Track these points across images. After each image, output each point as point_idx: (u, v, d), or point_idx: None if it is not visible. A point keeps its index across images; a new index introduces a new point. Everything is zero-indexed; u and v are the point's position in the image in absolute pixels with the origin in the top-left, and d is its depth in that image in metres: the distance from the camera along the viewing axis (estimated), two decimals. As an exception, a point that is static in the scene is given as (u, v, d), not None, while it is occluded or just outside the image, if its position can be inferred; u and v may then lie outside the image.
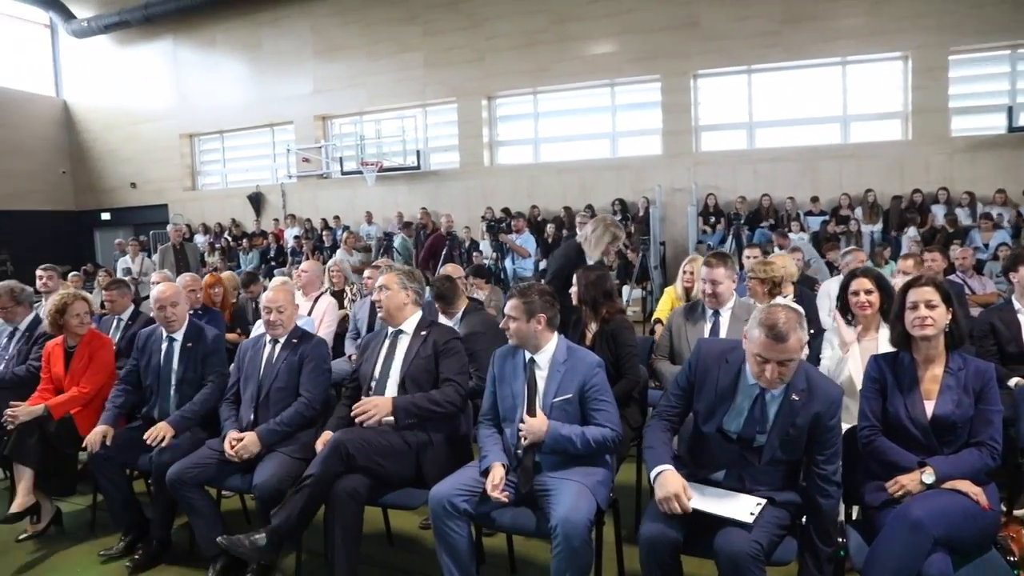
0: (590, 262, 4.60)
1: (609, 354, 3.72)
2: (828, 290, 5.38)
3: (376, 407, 3.18)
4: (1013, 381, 3.68)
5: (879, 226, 11.35)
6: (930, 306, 2.59)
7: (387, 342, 3.48)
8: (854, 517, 2.79)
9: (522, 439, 2.87)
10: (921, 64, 11.84)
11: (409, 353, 3.38)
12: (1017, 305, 4.06)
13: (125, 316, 5.28)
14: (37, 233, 17.49)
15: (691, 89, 13.30)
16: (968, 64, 11.94)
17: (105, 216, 19.26)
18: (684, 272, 5.14)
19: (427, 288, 4.24)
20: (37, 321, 4.80)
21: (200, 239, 16.36)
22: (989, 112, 11.81)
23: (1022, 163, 11.25)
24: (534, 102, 14.77)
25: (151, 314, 5.34)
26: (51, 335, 4.30)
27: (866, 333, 3.37)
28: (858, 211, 11.62)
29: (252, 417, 3.56)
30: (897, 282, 3.77)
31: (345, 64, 15.85)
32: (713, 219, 12.36)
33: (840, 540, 2.56)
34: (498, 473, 2.81)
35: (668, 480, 2.50)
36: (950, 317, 2.61)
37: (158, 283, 5.74)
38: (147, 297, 6.57)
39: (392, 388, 3.34)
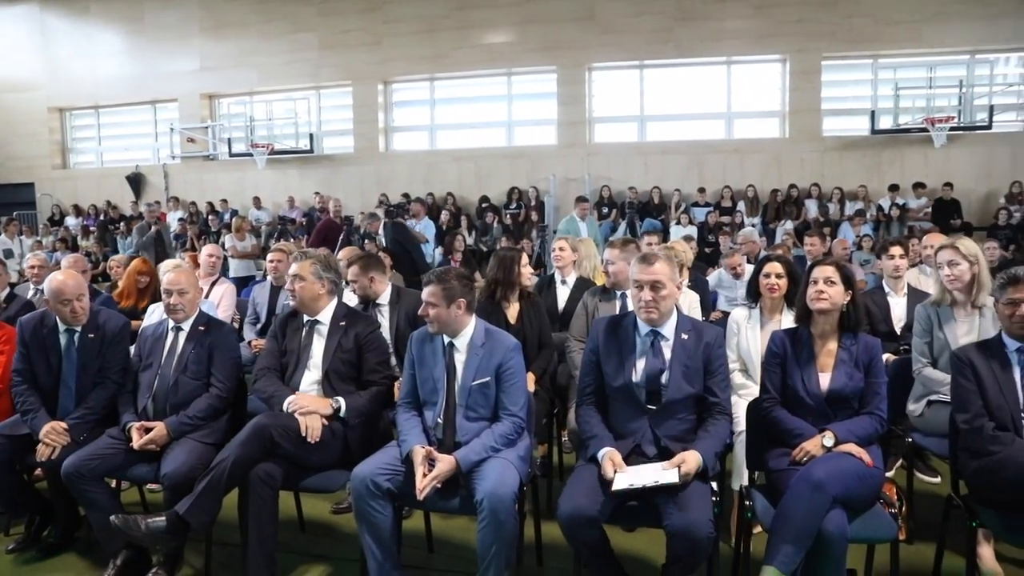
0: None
1: (538, 325, 4.00)
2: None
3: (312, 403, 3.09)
4: (884, 357, 4.10)
5: (758, 218, 12.10)
6: (829, 283, 2.84)
7: (304, 331, 3.36)
8: (757, 481, 3.02)
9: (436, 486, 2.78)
10: (797, 67, 12.68)
11: (330, 346, 3.28)
12: (887, 288, 4.54)
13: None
14: None
15: (586, 81, 13.67)
16: (838, 70, 12.90)
17: (-39, 194, 17.65)
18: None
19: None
20: None
21: (72, 221, 15.40)
22: (855, 115, 12.80)
23: (882, 162, 12.39)
24: (431, 88, 14.73)
25: (28, 297, 5.10)
26: None
27: (771, 315, 3.63)
28: (741, 204, 12.34)
29: (152, 405, 3.34)
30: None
31: (235, 42, 15.22)
32: (606, 209, 12.78)
33: (746, 503, 2.80)
34: (420, 456, 2.80)
35: (611, 458, 2.70)
36: (848, 298, 2.88)
37: (35, 267, 5.44)
38: (24, 280, 6.21)
39: (310, 381, 3.26)
